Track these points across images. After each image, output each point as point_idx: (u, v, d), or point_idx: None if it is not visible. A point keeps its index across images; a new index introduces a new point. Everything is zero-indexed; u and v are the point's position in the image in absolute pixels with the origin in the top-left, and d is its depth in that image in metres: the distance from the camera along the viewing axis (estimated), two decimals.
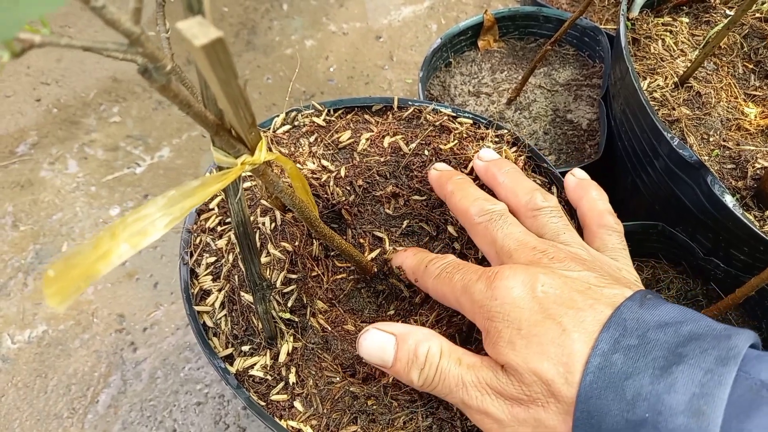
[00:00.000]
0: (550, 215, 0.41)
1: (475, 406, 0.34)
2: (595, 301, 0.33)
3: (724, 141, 0.55)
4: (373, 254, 0.50)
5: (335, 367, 0.42)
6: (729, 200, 0.48)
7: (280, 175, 0.47)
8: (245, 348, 0.43)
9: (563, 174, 0.48)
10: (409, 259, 0.45)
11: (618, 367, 0.30)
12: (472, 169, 0.49)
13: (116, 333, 0.75)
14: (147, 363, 0.72)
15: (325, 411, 0.40)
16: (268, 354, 0.43)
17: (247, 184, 0.49)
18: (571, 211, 0.47)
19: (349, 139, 0.53)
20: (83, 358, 0.73)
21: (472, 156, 0.49)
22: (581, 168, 0.62)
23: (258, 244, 0.46)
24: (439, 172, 0.47)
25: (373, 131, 0.53)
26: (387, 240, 0.52)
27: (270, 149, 0.51)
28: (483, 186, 0.47)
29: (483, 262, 0.46)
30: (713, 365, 0.28)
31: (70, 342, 0.74)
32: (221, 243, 0.47)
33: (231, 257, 0.45)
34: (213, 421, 0.68)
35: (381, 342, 0.37)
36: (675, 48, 0.62)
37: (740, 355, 0.28)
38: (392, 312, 0.49)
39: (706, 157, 0.54)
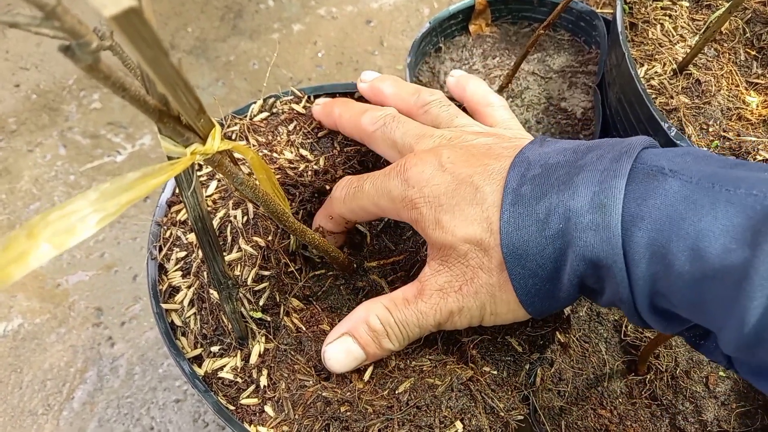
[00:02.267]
0: (439, 106, 0.42)
1: (446, 317, 0.35)
2: (498, 155, 0.35)
3: (725, 131, 0.53)
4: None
5: (308, 369, 0.40)
6: None
7: (243, 165, 0.44)
8: (215, 348, 0.41)
9: None
10: (318, 213, 0.46)
11: (528, 196, 0.31)
12: None
13: (93, 327, 0.72)
14: (124, 358, 0.70)
15: (296, 417, 0.37)
16: (238, 355, 0.40)
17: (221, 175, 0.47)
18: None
19: (329, 127, 0.50)
20: (59, 353, 0.71)
21: None
22: None
23: (230, 239, 0.43)
24: (320, 105, 0.48)
25: None
26: (368, 235, 0.49)
27: (237, 138, 0.48)
28: None
29: None
30: (609, 164, 0.29)
31: (46, 336, 0.72)
32: (192, 237, 0.44)
33: (202, 252, 0.43)
34: (192, 419, 0.66)
35: (342, 348, 0.37)
36: (674, 33, 0.59)
37: (634, 150, 0.29)
38: None
39: (706, 148, 0.51)
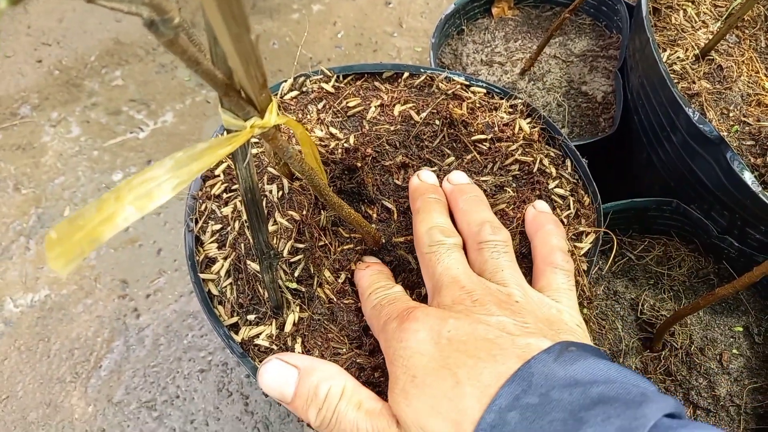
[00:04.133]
0: (493, 249, 0.39)
1: None
2: (501, 352, 0.30)
3: (744, 117, 0.54)
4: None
5: (342, 338, 0.42)
6: (748, 177, 0.46)
7: (289, 141, 0.46)
8: (251, 317, 0.42)
9: (578, 148, 0.46)
10: (363, 280, 0.43)
11: (511, 427, 0.27)
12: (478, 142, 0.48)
13: (119, 299, 0.74)
14: (150, 329, 0.72)
15: None
16: (273, 323, 0.42)
17: (254, 151, 0.48)
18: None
19: (358, 106, 0.51)
20: (86, 323, 0.73)
21: (483, 125, 0.48)
22: (594, 142, 0.60)
23: (265, 213, 0.44)
24: (418, 183, 0.46)
25: (383, 99, 0.52)
26: (395, 211, 0.50)
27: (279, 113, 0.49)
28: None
29: None
30: None
31: (73, 307, 0.74)
32: (227, 210, 0.46)
33: (237, 225, 0.44)
34: (216, 388, 0.68)
35: (281, 375, 0.35)
36: (697, 19, 0.60)
37: (645, 427, 0.25)
38: (400, 283, 0.48)
39: (725, 133, 0.52)
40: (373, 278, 0.43)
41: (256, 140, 0.46)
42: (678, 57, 0.57)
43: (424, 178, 0.46)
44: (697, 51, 0.57)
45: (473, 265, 0.39)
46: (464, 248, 0.41)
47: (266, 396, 0.40)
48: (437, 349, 0.32)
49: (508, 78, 0.68)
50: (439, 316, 0.34)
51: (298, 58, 0.94)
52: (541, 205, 0.45)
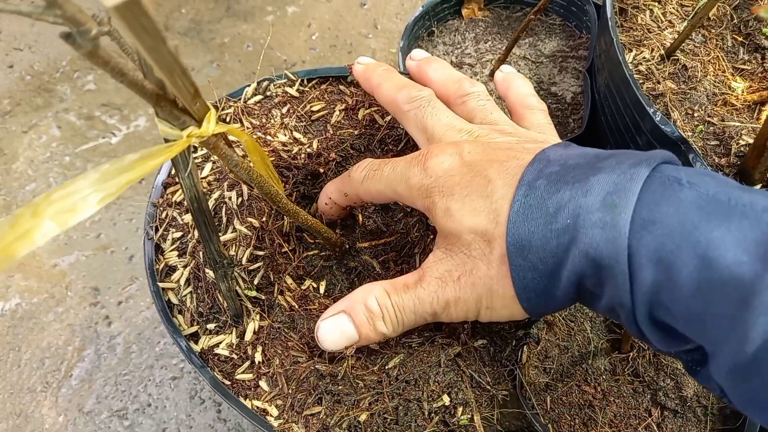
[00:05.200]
0: (477, 99, 0.43)
1: (442, 306, 0.35)
2: (518, 153, 0.35)
3: (710, 116, 0.54)
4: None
5: (301, 346, 0.41)
6: None
7: (237, 148, 0.45)
8: (211, 326, 0.42)
9: None
10: (330, 186, 0.45)
11: (541, 191, 0.31)
12: None
13: (90, 307, 0.73)
14: (121, 337, 0.71)
15: (290, 391, 0.39)
16: (234, 332, 0.42)
17: (216, 157, 0.48)
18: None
19: (322, 110, 0.51)
20: (57, 332, 0.72)
21: None
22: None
23: (225, 220, 0.44)
24: (363, 65, 0.48)
25: (348, 102, 0.51)
26: (360, 216, 0.50)
27: (231, 120, 0.49)
28: None
29: None
30: (627, 168, 0.29)
31: (44, 315, 0.73)
32: (188, 218, 0.45)
33: (197, 233, 0.44)
34: (188, 395, 0.67)
35: (337, 325, 0.37)
36: (663, 19, 0.60)
37: (654, 160, 0.29)
38: None
39: (690, 133, 0.52)
40: (337, 178, 0.45)
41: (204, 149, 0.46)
42: (644, 57, 0.57)
43: (364, 61, 0.48)
44: (663, 51, 0.57)
45: (461, 117, 0.42)
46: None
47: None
48: (464, 165, 0.35)
49: (478, 79, 0.68)
50: (454, 145, 0.37)
51: (272, 61, 0.94)
52: (507, 68, 0.48)
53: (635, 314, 0.28)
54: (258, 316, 0.42)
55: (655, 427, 0.49)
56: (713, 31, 0.60)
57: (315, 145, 0.49)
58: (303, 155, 0.48)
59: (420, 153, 0.38)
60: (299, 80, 0.52)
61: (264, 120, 0.50)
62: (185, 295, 0.43)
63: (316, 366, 0.39)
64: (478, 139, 0.38)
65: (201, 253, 0.43)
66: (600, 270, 0.28)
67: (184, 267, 0.43)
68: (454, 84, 0.44)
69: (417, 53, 0.48)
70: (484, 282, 0.33)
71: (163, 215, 0.46)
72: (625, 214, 0.27)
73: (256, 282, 0.43)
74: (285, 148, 0.48)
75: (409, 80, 0.45)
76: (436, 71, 0.46)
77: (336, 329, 0.37)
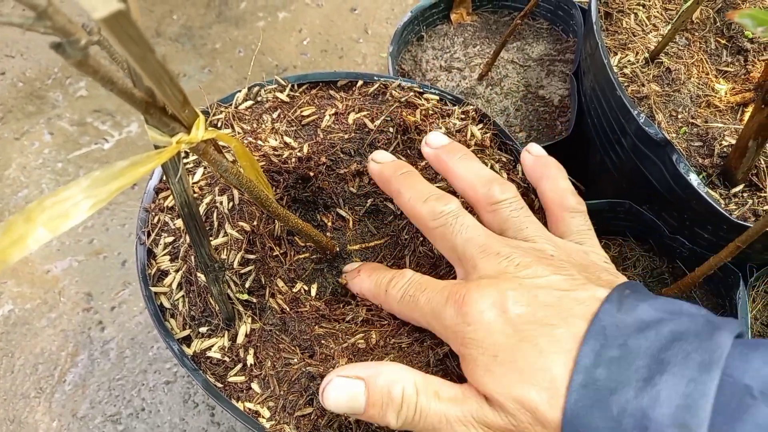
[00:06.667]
0: (510, 208, 0.39)
1: None
2: (568, 313, 0.32)
3: (693, 118, 0.55)
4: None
5: (293, 348, 0.42)
6: (693, 179, 0.47)
7: (228, 153, 0.46)
8: (203, 329, 0.42)
9: None
10: (365, 283, 0.43)
11: (602, 383, 0.29)
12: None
13: (84, 312, 0.74)
14: (115, 342, 0.71)
15: (282, 393, 0.39)
16: (226, 335, 0.42)
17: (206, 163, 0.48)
18: (529, 187, 0.46)
19: (312, 115, 0.51)
20: (50, 338, 0.72)
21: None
22: (550, 145, 0.61)
23: (216, 224, 0.45)
24: (380, 165, 0.44)
25: (337, 107, 0.52)
26: (351, 219, 0.51)
27: (222, 126, 0.49)
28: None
29: None
30: (696, 373, 0.27)
31: (37, 321, 0.73)
32: (179, 222, 0.46)
33: (189, 237, 0.44)
34: (182, 399, 0.68)
35: (347, 390, 0.34)
36: (647, 23, 0.61)
37: (723, 358, 0.27)
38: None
39: (674, 135, 0.53)
40: (375, 275, 0.42)
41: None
42: (629, 60, 0.58)
43: (381, 159, 0.45)
44: (647, 54, 0.58)
45: (491, 227, 0.39)
46: (468, 209, 0.41)
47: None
48: (509, 325, 0.32)
49: (467, 83, 0.68)
50: (495, 291, 0.34)
51: (264, 66, 0.94)
52: (536, 149, 0.45)
53: None
54: (249, 319, 0.42)
55: None
56: (696, 34, 0.61)
57: (305, 149, 0.49)
58: (293, 159, 0.49)
59: (457, 292, 0.35)
60: (290, 85, 0.53)
61: (255, 125, 0.50)
62: (177, 299, 0.43)
63: (308, 368, 0.40)
64: (520, 275, 0.34)
65: (193, 257, 0.43)
66: None
67: (176, 271, 0.44)
68: (483, 187, 0.40)
69: (433, 139, 0.44)
70: None
71: (155, 220, 0.46)
72: None
73: (247, 285, 0.43)
74: (276, 153, 0.49)
75: (432, 188, 0.41)
76: (461, 167, 0.42)
77: (345, 393, 0.34)
